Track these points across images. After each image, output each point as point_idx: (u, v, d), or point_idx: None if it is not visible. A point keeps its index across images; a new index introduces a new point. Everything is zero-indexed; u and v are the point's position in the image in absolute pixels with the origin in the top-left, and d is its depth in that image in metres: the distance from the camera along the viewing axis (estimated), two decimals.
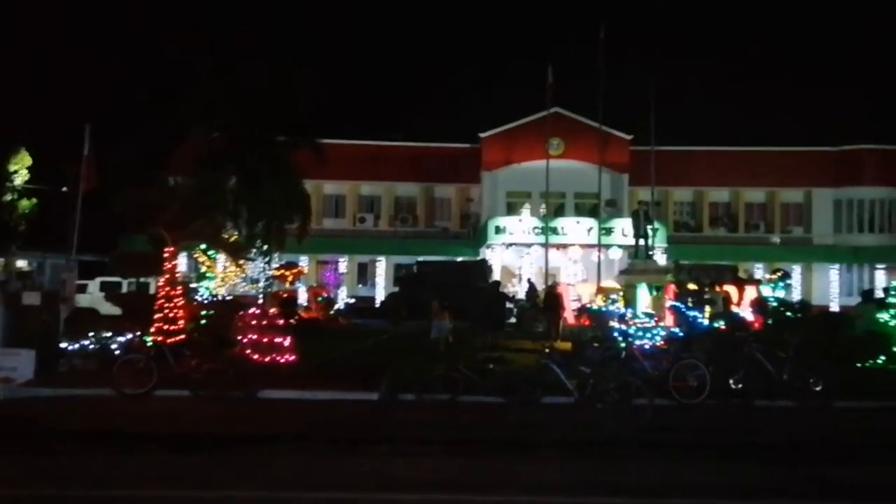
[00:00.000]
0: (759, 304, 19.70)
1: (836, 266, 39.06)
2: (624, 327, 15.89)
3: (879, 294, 20.52)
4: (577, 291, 26.96)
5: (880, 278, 37.55)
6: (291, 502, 7.67)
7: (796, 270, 37.81)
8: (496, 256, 34.94)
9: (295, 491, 7.92)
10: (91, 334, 15.57)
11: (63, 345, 15.29)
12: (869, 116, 60.72)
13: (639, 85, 38.02)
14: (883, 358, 15.73)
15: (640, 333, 15.92)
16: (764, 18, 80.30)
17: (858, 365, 15.53)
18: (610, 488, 8.20)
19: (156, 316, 15.50)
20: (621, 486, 8.30)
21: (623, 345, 14.51)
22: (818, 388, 12.67)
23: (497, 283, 23.57)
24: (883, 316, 16.26)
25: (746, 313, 19.35)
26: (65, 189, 31.01)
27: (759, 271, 35.97)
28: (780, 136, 41.50)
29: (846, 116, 60.82)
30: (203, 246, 23.62)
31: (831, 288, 38.55)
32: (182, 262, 26.12)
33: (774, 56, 78.16)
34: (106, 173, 21.58)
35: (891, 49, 76.18)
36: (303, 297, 30.70)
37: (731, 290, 22.34)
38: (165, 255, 16.08)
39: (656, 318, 17.14)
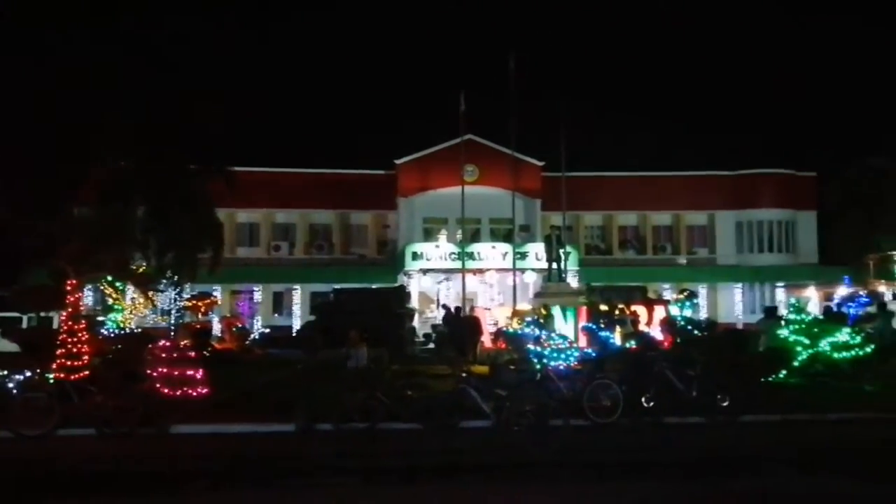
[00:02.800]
0: (668, 324, 20.29)
1: (739, 285, 40.72)
2: (539, 349, 16.07)
3: (780, 311, 21.44)
4: (494, 315, 27.21)
5: (780, 296, 39.31)
6: None
7: (702, 290, 39.20)
8: (414, 283, 34.96)
9: None
10: None
11: None
12: (766, 142, 63.89)
13: (549, 112, 39.01)
14: (784, 372, 16.39)
15: (555, 355, 16.14)
16: (670, 49, 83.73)
17: (762, 380, 16.15)
18: None
19: (58, 352, 14.82)
20: None
21: (538, 367, 14.70)
22: (725, 404, 13.11)
23: (458, 309, 22.80)
24: (783, 332, 16.95)
25: (656, 333, 19.89)
26: None
27: (667, 292, 37.12)
28: (683, 161, 43.23)
29: (745, 142, 63.88)
30: (110, 278, 22.80)
31: (735, 306, 40.14)
32: (88, 295, 25.16)
33: (678, 84, 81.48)
34: (2, 202, 20.64)
35: (786, 79, 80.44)
36: (216, 328, 29.96)
37: (640, 310, 22.94)
38: (68, 287, 15.43)
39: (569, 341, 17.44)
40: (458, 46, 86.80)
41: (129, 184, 24.17)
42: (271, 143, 59.72)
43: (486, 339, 23.69)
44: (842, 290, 32.14)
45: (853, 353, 16.20)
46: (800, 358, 16.40)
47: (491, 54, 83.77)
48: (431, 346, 28.80)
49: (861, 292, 28.97)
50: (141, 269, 24.36)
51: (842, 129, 67.89)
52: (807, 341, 16.49)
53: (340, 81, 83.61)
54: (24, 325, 27.82)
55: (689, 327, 20.21)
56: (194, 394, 14.01)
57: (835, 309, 22.85)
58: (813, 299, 36.76)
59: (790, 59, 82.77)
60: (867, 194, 32.41)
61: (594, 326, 17.91)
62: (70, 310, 15.23)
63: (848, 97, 77.65)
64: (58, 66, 22.13)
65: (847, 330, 16.74)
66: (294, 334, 32.70)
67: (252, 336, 28.35)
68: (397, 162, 40.49)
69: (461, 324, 19.90)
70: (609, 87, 76.29)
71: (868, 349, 16.25)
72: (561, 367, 15.58)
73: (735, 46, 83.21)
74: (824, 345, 16.37)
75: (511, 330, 21.04)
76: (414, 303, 33.51)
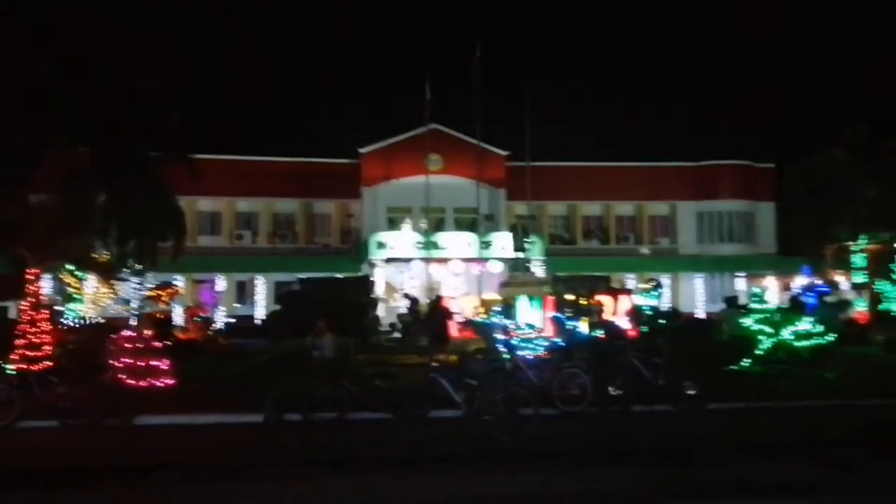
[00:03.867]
0: (634, 313, 20.51)
1: (701, 275, 41.31)
2: (507, 339, 16.12)
3: (742, 300, 21.83)
4: (460, 304, 27.22)
5: (740, 285, 39.97)
6: None
7: (664, 279, 39.67)
8: (378, 272, 34.86)
9: None
10: None
11: None
12: (726, 133, 64.77)
13: (514, 102, 39.15)
14: (748, 361, 16.69)
15: (523, 344, 16.22)
16: (633, 38, 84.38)
17: (726, 368, 16.43)
18: (502, 500, 8.27)
19: (18, 342, 14.46)
20: (513, 497, 8.38)
21: (507, 356, 14.73)
22: (691, 392, 13.26)
23: (439, 298, 22.36)
24: (746, 321, 17.25)
25: (622, 322, 20.08)
26: None
27: (630, 281, 37.51)
28: (646, 151, 43.70)
29: (706, 133, 64.71)
30: (70, 266, 22.30)
31: (696, 295, 40.73)
32: (48, 285, 24.60)
33: (642, 75, 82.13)
34: None
35: (748, 70, 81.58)
36: (179, 318, 29.56)
37: (606, 300, 23.13)
38: (28, 276, 15.05)
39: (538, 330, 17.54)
40: (424, 35, 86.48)
41: (88, 170, 23.58)
42: (234, 131, 58.95)
43: (453, 329, 23.70)
44: (800, 280, 32.74)
45: (814, 341, 16.54)
46: (763, 346, 16.71)
47: (457, 43, 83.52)
48: (397, 335, 28.80)
49: (819, 282, 29.54)
50: (102, 258, 23.89)
51: (802, 121, 69.15)
52: (770, 330, 16.80)
53: (304, 69, 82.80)
54: None
55: (655, 316, 20.44)
56: (159, 384, 13.82)
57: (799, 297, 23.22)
58: (772, 289, 37.42)
59: (752, 50, 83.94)
60: (825, 185, 32.97)
61: (562, 316, 18.00)
62: (31, 299, 14.86)
63: (808, 88, 79.04)
64: (9, 47, 21.42)
65: (809, 319, 17.08)
66: (258, 324, 32.45)
67: (216, 326, 28.05)
68: (361, 151, 40.25)
69: (439, 313, 19.77)
70: (573, 78, 76.67)
71: (829, 338, 16.61)
72: (529, 357, 15.66)
73: (698, 37, 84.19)
74: (786, 333, 16.69)
75: (479, 319, 21.06)
76: (378, 292, 33.43)
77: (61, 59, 20.88)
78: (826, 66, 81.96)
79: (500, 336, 16.08)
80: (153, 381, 13.77)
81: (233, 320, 32.17)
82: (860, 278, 30.62)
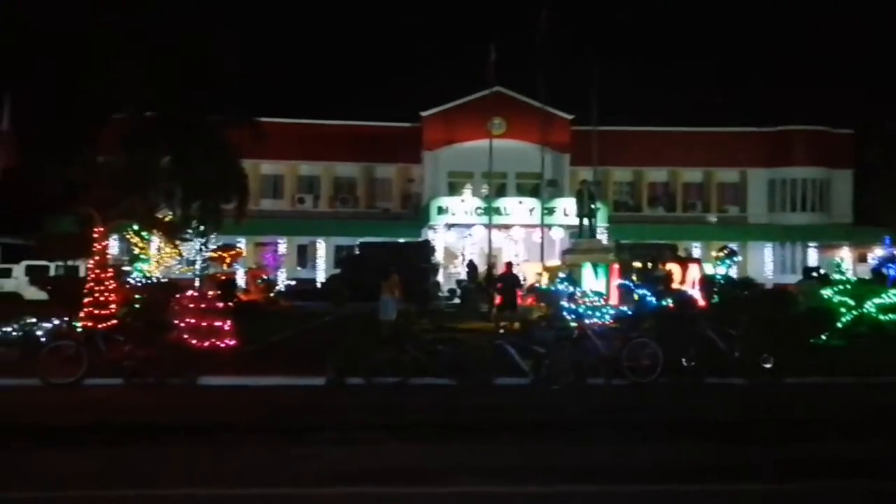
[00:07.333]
0: (705, 283, 19.80)
1: (770, 244, 39.99)
2: (574, 306, 15.67)
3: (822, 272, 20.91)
4: (522, 271, 26.79)
5: (812, 256, 38.54)
6: (236, 500, 7.12)
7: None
8: (439, 237, 34.60)
9: (240, 486, 7.36)
10: (14, 320, 14.60)
11: None
12: (801, 98, 62.17)
13: (580, 65, 37.96)
14: (827, 334, 15.90)
15: (590, 312, 15.75)
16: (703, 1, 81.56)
17: (805, 341, 15.66)
18: (571, 473, 7.89)
19: (85, 300, 14.60)
20: (583, 469, 8.01)
21: (573, 324, 14.30)
22: (768, 366, 12.64)
23: (509, 265, 21.07)
24: (826, 292, 16.43)
25: (692, 291, 19.42)
26: None
27: (696, 250, 36.49)
28: (716, 117, 42.13)
29: (779, 98, 62.24)
30: (136, 226, 22.62)
31: (766, 265, 39.46)
32: (114, 245, 25.04)
33: (712, 38, 79.42)
34: (27, 150, 20.34)
35: (823, 32, 78.11)
36: (241, 280, 29.85)
37: (673, 268, 22.42)
38: (95, 235, 15.15)
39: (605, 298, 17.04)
40: None
41: (153, 131, 23.83)
42: (297, 94, 59.13)
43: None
44: (878, 251, 31.33)
45: None
46: (843, 319, 15.90)
47: (522, 3, 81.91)
48: (456, 301, 28.59)
49: None
50: (167, 219, 24.19)
51: (883, 84, 65.93)
52: (851, 302, 15.97)
53: (367, 31, 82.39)
54: (52, 272, 27.81)
55: (730, 286, 19.71)
56: (222, 345, 13.82)
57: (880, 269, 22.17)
58: (847, 260, 35.97)
59: (830, 9, 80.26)
60: None
61: (629, 284, 17.45)
62: (97, 258, 14.99)
63: (890, 49, 75.28)
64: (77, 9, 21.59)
65: (894, 291, 16.17)
66: (319, 287, 32.61)
67: (277, 288, 28.23)
68: (423, 114, 39.85)
69: (509, 279, 19.22)
70: (641, 39, 74.58)
71: None
72: (595, 325, 15.20)
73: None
74: (869, 306, 15.84)
75: (543, 286, 20.62)
76: (438, 257, 33.22)
77: (119, 21, 20.98)
78: None
79: (565, 303, 15.64)
80: (215, 342, 13.77)
81: (293, 283, 32.37)
82: None
